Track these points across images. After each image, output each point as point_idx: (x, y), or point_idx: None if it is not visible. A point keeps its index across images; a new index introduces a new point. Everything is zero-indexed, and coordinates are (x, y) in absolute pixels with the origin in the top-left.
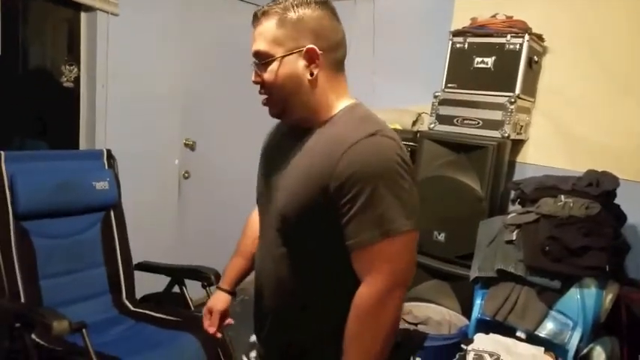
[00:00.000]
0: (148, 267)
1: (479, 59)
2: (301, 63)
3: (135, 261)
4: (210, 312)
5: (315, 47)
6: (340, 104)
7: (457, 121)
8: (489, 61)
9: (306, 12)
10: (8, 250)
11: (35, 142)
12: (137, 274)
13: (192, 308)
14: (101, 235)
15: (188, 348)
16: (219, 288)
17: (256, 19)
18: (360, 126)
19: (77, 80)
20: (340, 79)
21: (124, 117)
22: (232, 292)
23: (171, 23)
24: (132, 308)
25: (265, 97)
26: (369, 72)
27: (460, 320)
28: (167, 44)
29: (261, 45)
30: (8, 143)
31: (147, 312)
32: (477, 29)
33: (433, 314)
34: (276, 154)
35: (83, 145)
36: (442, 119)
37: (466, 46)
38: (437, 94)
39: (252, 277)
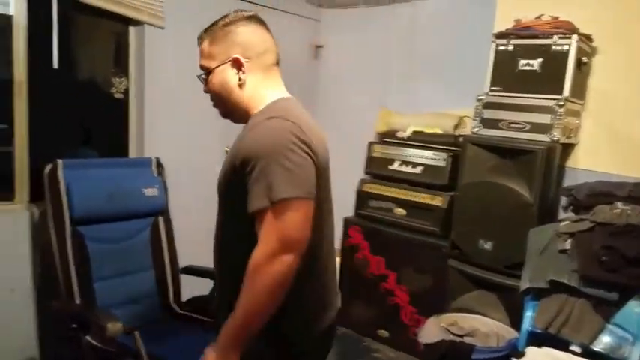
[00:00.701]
0: (193, 271)
1: (524, 61)
2: (231, 71)
3: (180, 265)
4: None
5: (240, 57)
6: (268, 100)
7: (503, 124)
8: (535, 63)
9: (232, 29)
10: (65, 253)
11: (86, 151)
12: (183, 277)
13: None
14: (150, 239)
15: None
16: None
17: (199, 39)
18: (265, 113)
19: (127, 91)
20: (272, 78)
21: (169, 126)
22: None
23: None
24: (179, 311)
25: (213, 102)
26: (408, 76)
27: (508, 332)
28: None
29: (202, 61)
30: (62, 152)
31: (193, 315)
32: (521, 31)
33: (480, 325)
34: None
35: (133, 153)
36: (487, 123)
37: (510, 48)
38: (480, 97)
39: None
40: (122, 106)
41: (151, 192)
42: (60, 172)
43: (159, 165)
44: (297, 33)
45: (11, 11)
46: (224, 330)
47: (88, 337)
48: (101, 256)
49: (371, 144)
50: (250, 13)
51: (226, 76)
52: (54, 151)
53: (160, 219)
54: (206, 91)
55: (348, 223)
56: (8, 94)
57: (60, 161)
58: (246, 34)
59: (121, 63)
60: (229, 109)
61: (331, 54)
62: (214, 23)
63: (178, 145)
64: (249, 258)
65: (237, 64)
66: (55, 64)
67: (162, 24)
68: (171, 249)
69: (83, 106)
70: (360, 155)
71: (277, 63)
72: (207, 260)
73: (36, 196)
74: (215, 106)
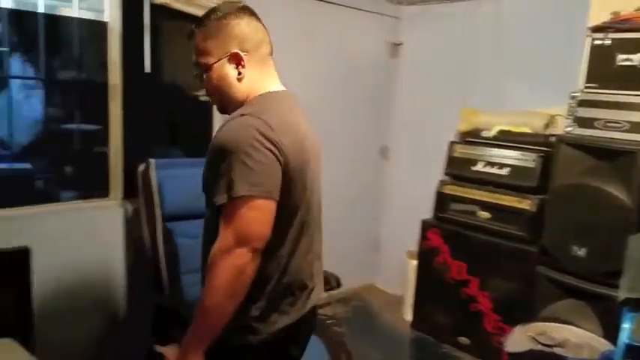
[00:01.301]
0: None
1: (623, 56)
2: (230, 66)
3: None
4: None
5: (239, 51)
6: (254, 94)
7: (598, 124)
8: (636, 58)
9: (226, 22)
10: (156, 247)
11: (174, 151)
12: None
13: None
14: None
15: (313, 349)
16: None
17: (189, 34)
18: (244, 108)
19: None
20: (267, 70)
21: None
22: None
23: (291, 34)
24: None
25: (208, 97)
26: (493, 73)
27: (601, 344)
28: (287, 55)
29: (196, 57)
30: (152, 152)
31: None
32: (620, 24)
33: (571, 336)
34: None
35: None
36: (581, 122)
37: (608, 42)
38: (574, 94)
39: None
40: (207, 108)
41: None
42: (152, 171)
43: None
44: (375, 31)
45: (106, 18)
46: (188, 331)
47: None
48: (189, 251)
49: (452, 144)
50: (241, 4)
51: (225, 71)
52: (145, 151)
53: None
54: (202, 87)
55: (426, 225)
56: (103, 97)
57: (152, 160)
58: (241, 27)
59: None
60: (227, 103)
61: (410, 51)
62: (206, 17)
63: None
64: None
65: (236, 59)
66: (147, 68)
67: None
68: None
69: (171, 108)
70: (439, 155)
71: (271, 53)
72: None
73: (129, 193)
74: (212, 100)
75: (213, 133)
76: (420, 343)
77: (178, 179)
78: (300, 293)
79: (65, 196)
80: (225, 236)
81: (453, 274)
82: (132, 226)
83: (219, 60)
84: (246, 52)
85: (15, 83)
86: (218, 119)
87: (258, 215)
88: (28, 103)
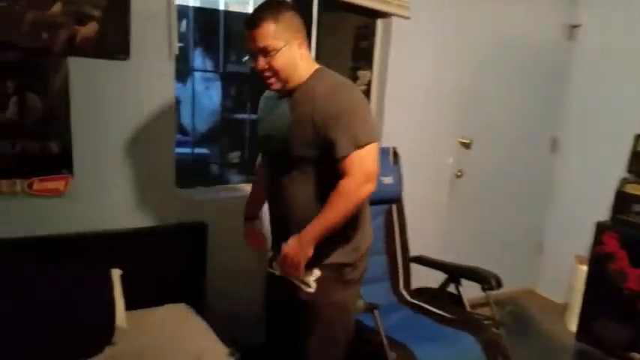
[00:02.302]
0: (424, 261)
1: None
2: (295, 48)
3: (410, 254)
4: (255, 234)
5: (300, 37)
6: (311, 69)
7: None
8: None
9: (291, 13)
10: None
11: None
12: (413, 267)
13: (468, 308)
14: (384, 226)
15: (469, 349)
16: (246, 219)
17: (254, 24)
18: (325, 78)
19: (369, 83)
20: (309, 53)
21: (404, 116)
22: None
23: (450, 21)
24: (409, 298)
25: (271, 78)
26: None
27: None
28: (446, 42)
29: (265, 42)
30: None
31: (423, 305)
32: None
33: None
34: (272, 113)
35: None
36: None
37: None
38: None
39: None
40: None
41: (387, 180)
42: None
43: (395, 154)
44: (548, 11)
45: None
46: (307, 230)
47: None
48: None
49: (639, 137)
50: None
51: (293, 53)
52: None
53: (394, 207)
54: (263, 69)
55: (601, 227)
56: None
57: None
58: (298, 18)
59: (365, 56)
60: (289, 80)
61: (591, 34)
62: (274, 9)
63: (413, 135)
64: (311, 197)
65: (299, 42)
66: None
67: (408, 14)
68: (402, 237)
69: None
70: (620, 149)
71: None
72: (428, 252)
73: None
74: (272, 80)
75: None
76: (585, 355)
77: None
78: None
79: (235, 178)
80: (355, 174)
81: (631, 283)
82: None
83: (286, 44)
84: (302, 38)
85: (196, 76)
86: (375, 109)
87: (376, 156)
88: (207, 94)
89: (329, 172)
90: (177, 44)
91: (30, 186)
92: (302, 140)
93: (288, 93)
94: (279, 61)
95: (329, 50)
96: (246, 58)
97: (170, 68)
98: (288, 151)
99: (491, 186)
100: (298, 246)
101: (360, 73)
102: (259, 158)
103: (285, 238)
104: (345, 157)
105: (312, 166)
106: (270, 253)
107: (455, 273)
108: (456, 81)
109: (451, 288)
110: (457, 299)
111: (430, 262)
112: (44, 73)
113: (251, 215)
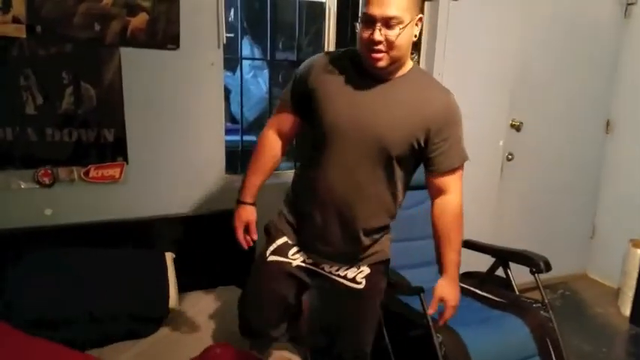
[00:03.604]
0: (472, 245)
1: None
2: (415, 28)
3: None
4: (247, 224)
5: (421, 16)
6: (411, 61)
7: None
8: None
9: None
10: None
11: None
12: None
13: (517, 292)
14: (431, 210)
15: (516, 331)
16: (244, 202)
17: None
18: (426, 73)
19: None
20: None
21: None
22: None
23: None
24: None
25: (383, 53)
26: None
27: None
28: (497, 21)
29: (395, 11)
30: None
31: (471, 288)
32: None
33: None
34: (364, 95)
35: None
36: None
37: None
38: None
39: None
40: None
41: None
42: None
43: None
44: None
45: None
46: (453, 268)
47: None
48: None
49: None
50: None
51: (413, 31)
52: None
53: None
54: (380, 42)
55: None
56: None
57: None
58: None
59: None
60: (399, 61)
61: None
62: None
63: (463, 118)
64: (387, 195)
65: (419, 23)
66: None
67: None
68: None
69: None
70: None
71: None
72: (478, 236)
73: None
74: (381, 57)
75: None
76: None
77: None
78: None
79: (283, 166)
80: (460, 192)
81: None
82: None
83: (411, 20)
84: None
85: (245, 64)
86: None
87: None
88: (255, 82)
89: (407, 172)
90: (225, 33)
91: (87, 173)
92: (407, 139)
93: (383, 76)
94: (402, 37)
95: None
96: (357, 23)
97: (219, 57)
98: (386, 147)
99: (543, 169)
100: (455, 288)
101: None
102: (267, 129)
103: (339, 237)
104: (451, 170)
105: (399, 165)
106: (277, 243)
107: (503, 256)
108: (507, 61)
109: (500, 272)
110: (506, 283)
111: (478, 246)
112: (97, 64)
113: (252, 200)
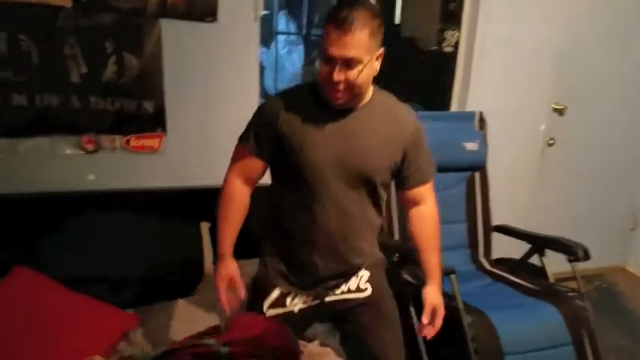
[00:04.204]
0: (507, 231)
1: None
2: (376, 63)
3: (492, 223)
4: (234, 281)
5: (382, 49)
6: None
7: None
8: None
9: (379, 21)
10: (389, 196)
11: (410, 103)
12: (494, 236)
13: (551, 279)
14: (466, 193)
15: (550, 319)
16: (225, 256)
17: (350, 28)
18: (386, 95)
19: (457, 44)
20: None
21: (494, 80)
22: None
23: None
24: (488, 267)
25: (343, 92)
26: None
27: None
28: (542, 3)
29: (355, 52)
30: None
31: (504, 274)
32: None
33: None
34: (335, 131)
35: (454, 106)
36: None
37: None
38: None
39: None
40: (450, 59)
41: (471, 146)
42: None
43: (481, 119)
44: None
45: None
46: (436, 273)
47: (404, 272)
48: None
49: None
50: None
51: (373, 68)
52: None
53: (477, 174)
54: (340, 81)
55: None
56: None
57: None
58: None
59: (453, 16)
60: (359, 96)
61: None
62: (371, 13)
63: (502, 99)
64: (373, 217)
65: (380, 57)
66: (397, 19)
67: None
68: (484, 206)
69: (412, 60)
70: None
71: None
72: (515, 221)
73: None
74: (342, 94)
75: (454, 84)
76: None
77: None
78: None
79: None
80: (433, 199)
81: None
82: None
83: (371, 58)
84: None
85: (279, 39)
86: (461, 71)
87: None
88: (289, 57)
89: (386, 191)
90: (262, 7)
91: (127, 142)
92: (387, 165)
93: (349, 107)
94: (362, 76)
95: (415, 11)
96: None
97: (255, 31)
98: (369, 176)
99: (585, 155)
100: (441, 295)
101: (448, 33)
102: (232, 177)
103: (335, 267)
104: (426, 182)
105: (382, 188)
106: (272, 298)
107: (539, 243)
108: (551, 41)
109: (534, 260)
110: (540, 271)
111: (513, 232)
112: (139, 34)
113: (231, 252)
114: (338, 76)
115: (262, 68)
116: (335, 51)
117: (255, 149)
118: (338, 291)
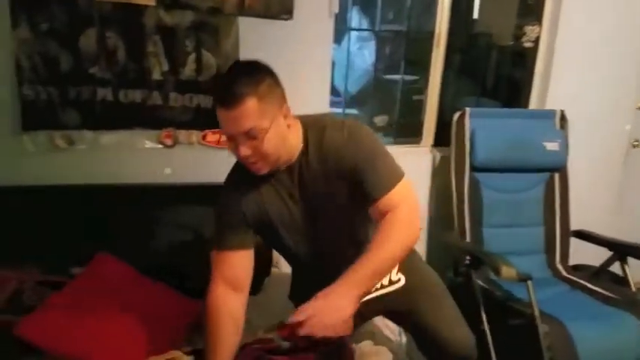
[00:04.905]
0: (587, 236)
1: None
2: (282, 121)
3: (571, 228)
4: None
5: (285, 105)
6: (300, 131)
7: None
8: None
9: (266, 80)
10: (462, 195)
11: (485, 100)
12: (572, 241)
13: (633, 289)
14: (544, 195)
15: (630, 330)
16: None
17: (232, 102)
18: (330, 124)
19: (537, 40)
20: (290, 112)
21: (575, 77)
22: None
23: None
24: (565, 274)
25: (258, 163)
26: None
27: None
28: None
29: (250, 124)
30: (464, 101)
31: (581, 281)
32: None
33: None
34: (292, 196)
35: (533, 104)
36: None
37: None
38: None
39: None
40: (529, 55)
41: (551, 146)
42: (467, 119)
43: (562, 118)
44: None
45: None
46: (359, 273)
47: (475, 275)
48: (494, 204)
49: None
50: (262, 62)
51: (281, 128)
52: (458, 100)
53: (556, 175)
54: (248, 154)
55: None
56: (427, 46)
57: (468, 109)
58: (277, 81)
59: (532, 10)
60: (280, 158)
61: None
62: (253, 78)
63: (584, 97)
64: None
65: (285, 112)
66: (475, 14)
67: None
68: (563, 209)
69: (488, 56)
70: None
71: None
72: (595, 226)
73: (437, 141)
74: (259, 165)
75: (534, 81)
76: None
77: (492, 129)
78: None
79: (382, 140)
80: (403, 206)
81: None
82: (438, 172)
83: (273, 120)
84: (285, 102)
85: (352, 35)
86: (541, 67)
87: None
88: (360, 54)
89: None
90: (337, 3)
91: (204, 137)
92: (352, 194)
93: (287, 169)
94: (270, 141)
95: (492, 6)
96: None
97: (329, 28)
98: (345, 214)
99: None
100: (337, 300)
101: (528, 28)
102: (214, 287)
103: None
104: (384, 194)
105: (364, 209)
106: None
107: (621, 250)
108: (637, 38)
109: (615, 267)
110: (621, 280)
111: (593, 238)
112: (217, 33)
113: None
114: (244, 151)
115: (332, 65)
116: (229, 129)
117: (231, 242)
118: (374, 290)
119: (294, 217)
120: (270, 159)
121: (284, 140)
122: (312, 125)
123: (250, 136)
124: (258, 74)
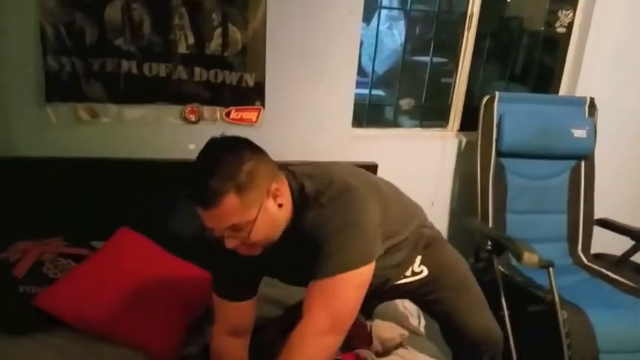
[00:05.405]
0: (610, 225)
1: None
2: (271, 204)
3: (595, 216)
4: None
5: (273, 184)
6: (290, 206)
7: None
8: None
9: (248, 166)
10: (486, 181)
11: (514, 85)
12: (595, 230)
13: None
14: (569, 183)
15: None
16: None
17: (208, 202)
18: (319, 198)
19: (570, 25)
20: (283, 184)
21: (607, 64)
22: None
23: None
24: (586, 262)
25: (246, 251)
26: None
27: None
28: None
29: (231, 220)
30: (493, 85)
31: (602, 270)
32: None
33: None
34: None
35: (563, 90)
36: None
37: None
38: None
39: None
40: (561, 41)
41: (579, 133)
42: (495, 104)
43: (592, 105)
44: None
45: None
46: None
47: (496, 261)
48: (518, 190)
49: None
50: (240, 138)
51: (270, 212)
52: (487, 84)
53: (583, 163)
54: (237, 246)
55: None
56: (458, 27)
57: (497, 93)
58: (262, 162)
59: None
60: (272, 240)
61: None
62: (230, 168)
63: (617, 86)
64: None
65: (274, 193)
66: None
67: None
68: (588, 197)
69: (519, 40)
70: None
71: None
72: (625, 217)
73: (463, 125)
74: (251, 252)
75: (565, 67)
76: None
77: (520, 115)
78: None
79: (408, 122)
80: (316, 316)
81: None
82: (464, 157)
83: (260, 207)
84: (276, 180)
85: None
86: (573, 53)
87: (357, 292)
88: (389, 33)
89: None
90: None
91: (228, 114)
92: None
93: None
94: (258, 230)
95: None
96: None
97: (359, 5)
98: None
99: None
100: None
101: (562, 13)
102: (218, 336)
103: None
104: (322, 278)
105: None
106: None
107: None
108: None
109: (637, 257)
110: None
111: (616, 227)
112: (244, 8)
113: None
114: (230, 244)
115: (360, 44)
116: (211, 225)
117: (232, 295)
118: (396, 283)
119: (269, 272)
120: (258, 245)
121: (275, 223)
122: (302, 199)
123: (236, 229)
124: (235, 161)
